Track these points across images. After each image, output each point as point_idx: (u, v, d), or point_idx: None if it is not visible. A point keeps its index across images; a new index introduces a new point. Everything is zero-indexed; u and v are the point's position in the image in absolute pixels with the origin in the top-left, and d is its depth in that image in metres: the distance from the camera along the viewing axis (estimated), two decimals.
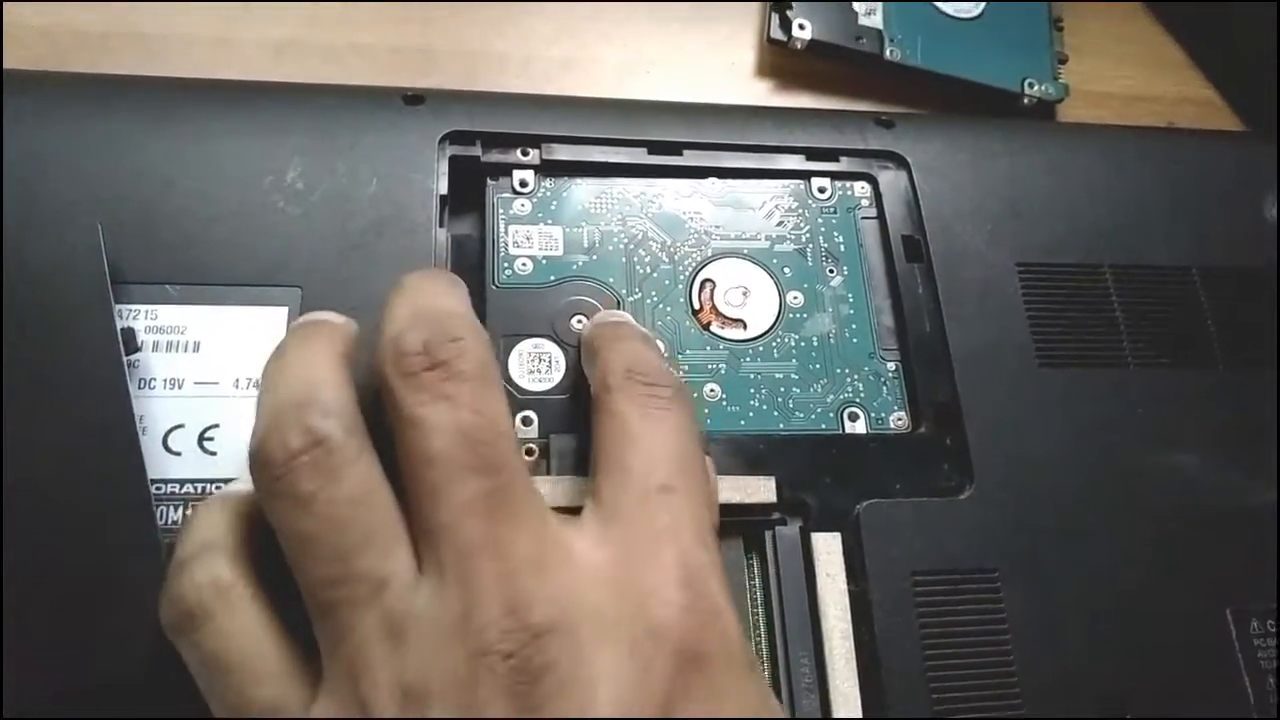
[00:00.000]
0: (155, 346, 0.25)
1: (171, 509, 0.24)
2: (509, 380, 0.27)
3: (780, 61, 0.39)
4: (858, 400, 0.29)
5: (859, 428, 0.29)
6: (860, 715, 0.24)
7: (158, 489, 0.24)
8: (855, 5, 0.38)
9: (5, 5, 0.34)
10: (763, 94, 0.38)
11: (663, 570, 0.19)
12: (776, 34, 0.38)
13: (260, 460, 0.19)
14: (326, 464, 0.18)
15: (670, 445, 0.21)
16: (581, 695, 0.17)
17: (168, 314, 0.26)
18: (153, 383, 0.25)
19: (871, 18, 0.38)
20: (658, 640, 0.18)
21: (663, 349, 0.29)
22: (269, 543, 0.19)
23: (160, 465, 0.24)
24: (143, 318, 0.25)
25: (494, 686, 0.16)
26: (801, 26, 0.37)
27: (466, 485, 0.18)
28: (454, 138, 0.30)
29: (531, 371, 0.28)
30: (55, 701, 0.22)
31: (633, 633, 0.18)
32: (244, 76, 0.33)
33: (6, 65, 0.32)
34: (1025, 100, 0.39)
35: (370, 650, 0.17)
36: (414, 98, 0.30)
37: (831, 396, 0.29)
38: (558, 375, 0.28)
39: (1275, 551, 0.28)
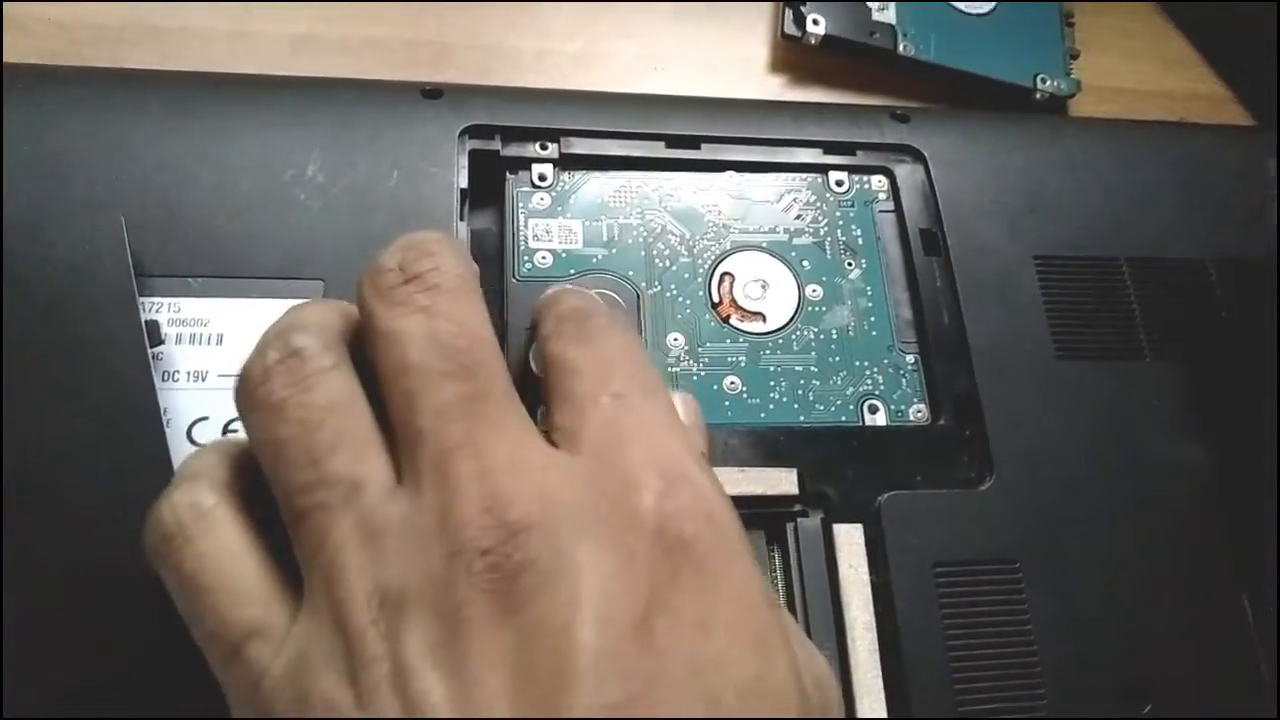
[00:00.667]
0: (179, 339, 0.25)
1: None
2: (528, 371, 0.27)
3: (793, 57, 0.39)
4: (877, 393, 0.29)
5: (879, 420, 0.29)
6: (884, 707, 0.24)
7: None
8: (869, 1, 0.38)
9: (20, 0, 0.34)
10: (776, 89, 0.39)
11: (637, 463, 0.18)
12: (790, 29, 0.38)
13: (240, 381, 0.19)
14: (301, 371, 0.18)
15: (613, 361, 0.20)
16: (564, 590, 0.16)
17: (191, 307, 0.26)
18: (177, 375, 0.25)
19: (885, 13, 0.38)
20: (638, 528, 0.17)
21: (682, 341, 0.29)
22: (261, 489, 0.19)
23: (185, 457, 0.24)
24: (166, 310, 0.25)
25: (472, 585, 0.16)
26: (815, 22, 0.37)
27: (443, 390, 0.18)
28: (473, 132, 0.30)
29: None
30: (78, 694, 0.22)
31: (612, 524, 0.17)
32: (260, 70, 0.33)
33: (23, 59, 0.32)
34: (1037, 95, 0.39)
35: (345, 556, 0.17)
36: (433, 91, 0.30)
37: (851, 389, 0.29)
38: None
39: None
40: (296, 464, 0.18)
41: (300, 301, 0.21)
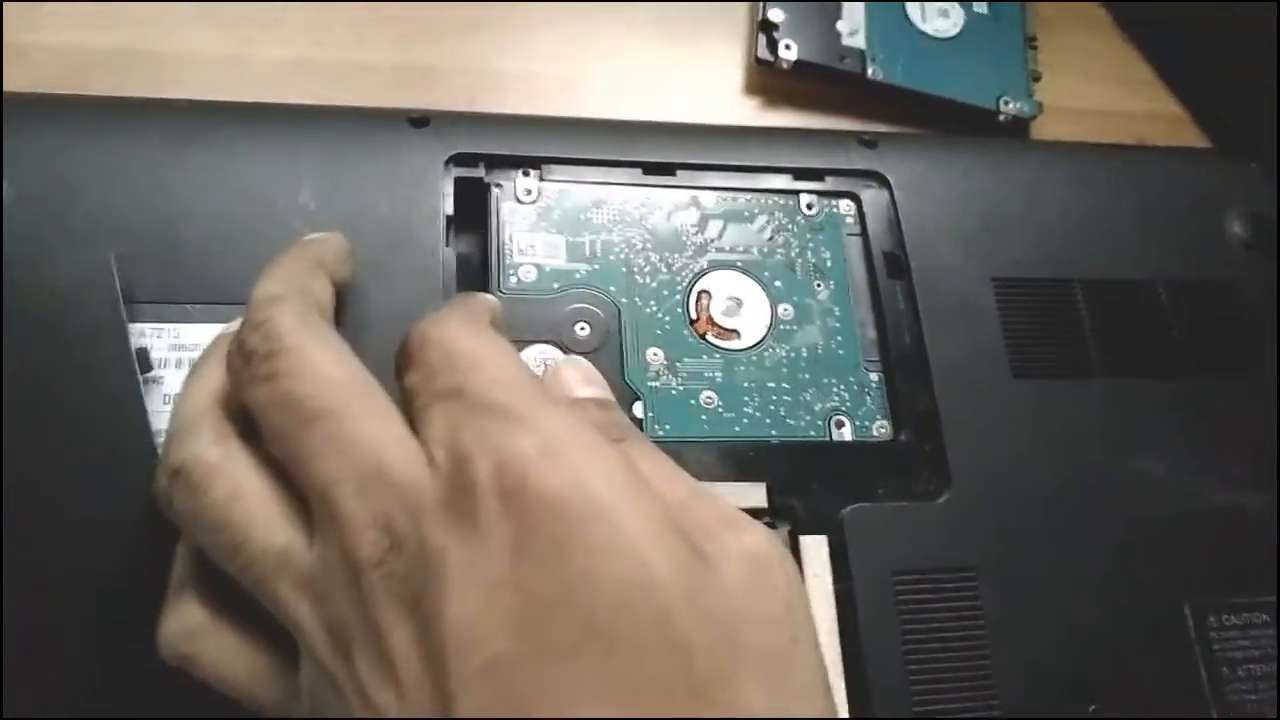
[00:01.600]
0: (178, 364, 0.27)
1: None
2: None
3: (767, 80, 0.40)
4: (844, 409, 0.31)
5: (845, 435, 0.30)
6: (846, 708, 0.26)
7: None
8: (839, 26, 0.40)
9: (20, 27, 0.35)
10: (750, 111, 0.40)
11: (466, 439, 0.19)
12: (764, 54, 0.39)
13: (158, 502, 0.21)
14: (191, 482, 0.20)
15: (430, 364, 0.21)
16: (433, 574, 0.17)
17: (189, 333, 0.27)
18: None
19: (854, 38, 0.40)
20: (478, 493, 0.18)
21: (661, 356, 0.30)
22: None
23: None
24: (166, 336, 0.27)
25: (376, 598, 0.18)
26: (787, 47, 0.39)
27: (303, 440, 0.19)
28: (458, 160, 0.31)
29: None
30: (71, 703, 0.23)
31: (460, 501, 0.18)
32: (255, 95, 0.34)
33: (24, 87, 0.33)
34: (1001, 117, 0.40)
35: (295, 611, 0.19)
36: (420, 120, 0.31)
37: (820, 405, 0.31)
38: None
39: (1230, 550, 0.30)
40: (226, 553, 0.20)
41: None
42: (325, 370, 0.20)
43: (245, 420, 0.21)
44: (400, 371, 0.21)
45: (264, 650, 0.20)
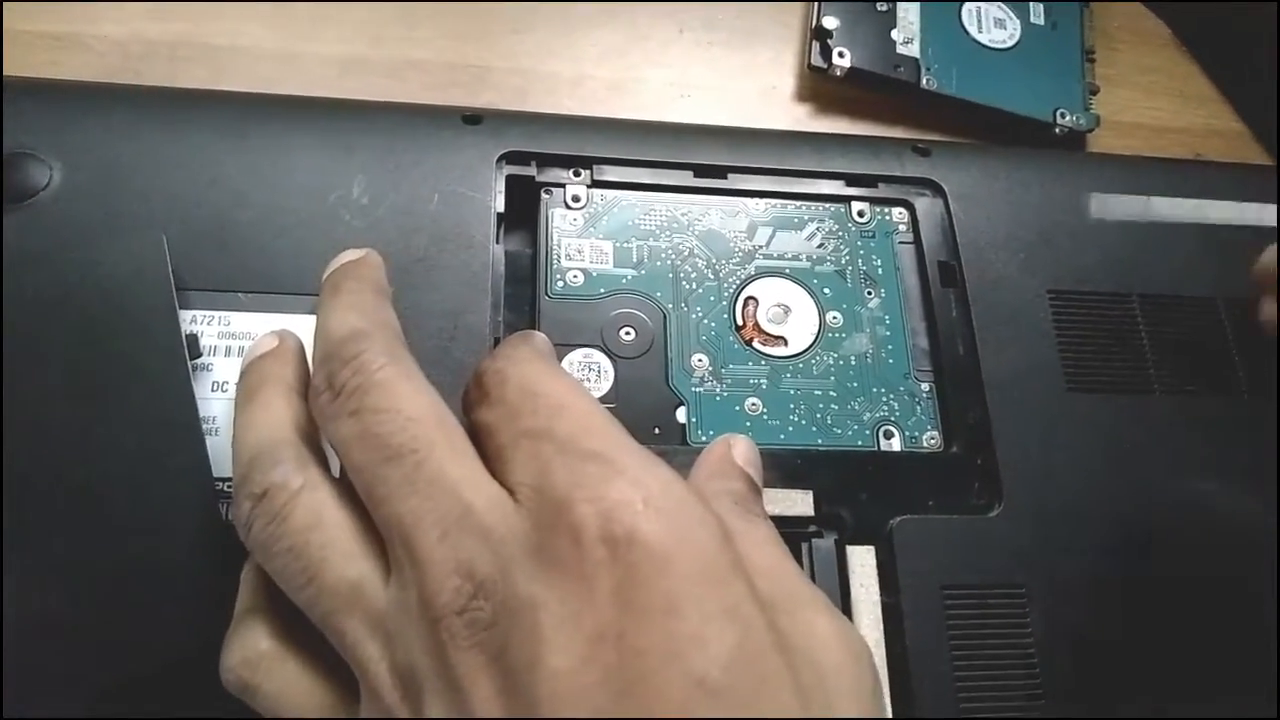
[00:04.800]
0: (228, 351, 0.27)
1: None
2: None
3: (819, 87, 0.40)
4: (893, 419, 0.30)
5: (894, 445, 0.30)
6: None
7: (229, 486, 0.25)
8: (893, 34, 0.40)
9: (79, 18, 0.35)
10: (801, 118, 0.40)
11: (562, 484, 0.19)
12: (817, 61, 0.39)
13: (237, 522, 0.21)
14: (273, 507, 0.20)
15: (513, 405, 0.21)
16: (525, 624, 0.17)
17: (239, 320, 0.27)
18: (225, 386, 0.26)
19: (909, 47, 0.40)
20: (581, 542, 0.18)
21: (706, 362, 0.30)
22: None
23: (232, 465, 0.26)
24: (216, 324, 0.27)
25: (458, 646, 0.17)
26: (841, 55, 0.38)
27: (388, 477, 0.19)
28: (510, 158, 0.31)
29: (582, 380, 0.29)
30: (115, 691, 0.23)
31: (558, 549, 0.18)
32: (308, 90, 0.34)
33: (81, 76, 0.34)
34: (1057, 130, 0.40)
35: (363, 649, 0.19)
36: (472, 117, 0.31)
37: (868, 414, 0.30)
38: (606, 384, 0.29)
39: None
40: (299, 585, 0.20)
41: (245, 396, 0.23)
42: (411, 408, 0.20)
43: (320, 453, 0.22)
44: (471, 406, 0.21)
45: (326, 685, 0.20)
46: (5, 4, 0.35)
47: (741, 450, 0.24)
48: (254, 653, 0.20)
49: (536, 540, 0.18)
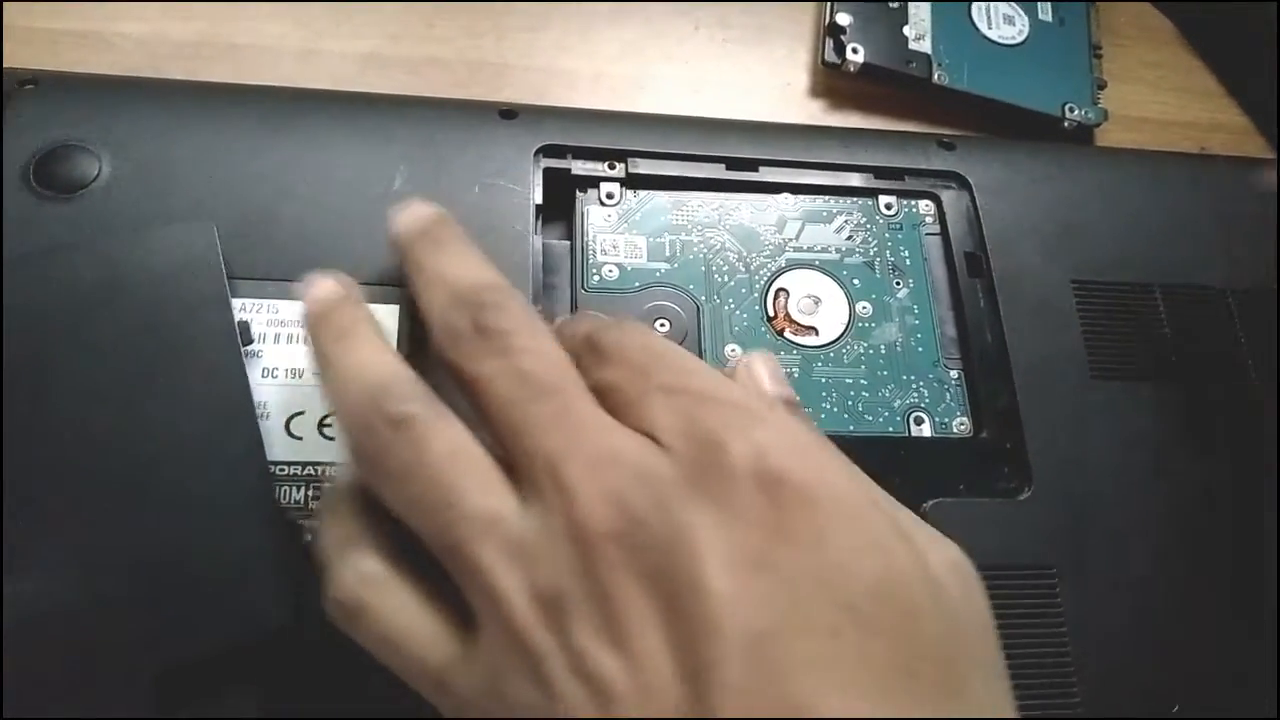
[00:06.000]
0: (276, 339, 0.27)
1: (294, 489, 0.26)
2: None
3: (833, 83, 0.41)
4: (923, 405, 0.31)
5: (924, 431, 0.30)
6: None
7: (280, 470, 0.26)
8: (905, 30, 0.40)
9: (103, 15, 0.36)
10: (816, 113, 0.40)
11: (714, 426, 0.19)
12: (830, 57, 0.39)
13: (357, 456, 0.21)
14: (412, 435, 0.20)
15: (642, 363, 0.21)
16: (684, 550, 0.18)
17: (288, 309, 0.27)
18: (276, 372, 0.27)
19: (921, 43, 0.40)
20: (732, 478, 0.18)
21: (739, 352, 0.30)
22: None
23: (283, 448, 0.26)
24: (265, 312, 0.27)
25: (611, 568, 0.18)
26: (855, 50, 0.39)
27: (537, 412, 0.20)
28: (547, 151, 0.31)
29: None
30: (174, 675, 0.23)
31: (710, 483, 0.18)
32: (329, 86, 0.34)
33: (107, 71, 0.34)
34: (1066, 124, 0.40)
35: (498, 576, 0.19)
36: (508, 112, 0.32)
37: (898, 401, 0.31)
38: None
39: None
40: (435, 510, 0.20)
41: (344, 340, 0.23)
42: (555, 354, 0.21)
43: None
44: (588, 368, 0.22)
45: (437, 615, 0.20)
46: (29, 3, 0.35)
47: (763, 371, 0.24)
48: (368, 571, 0.21)
49: (688, 476, 0.19)
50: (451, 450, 0.20)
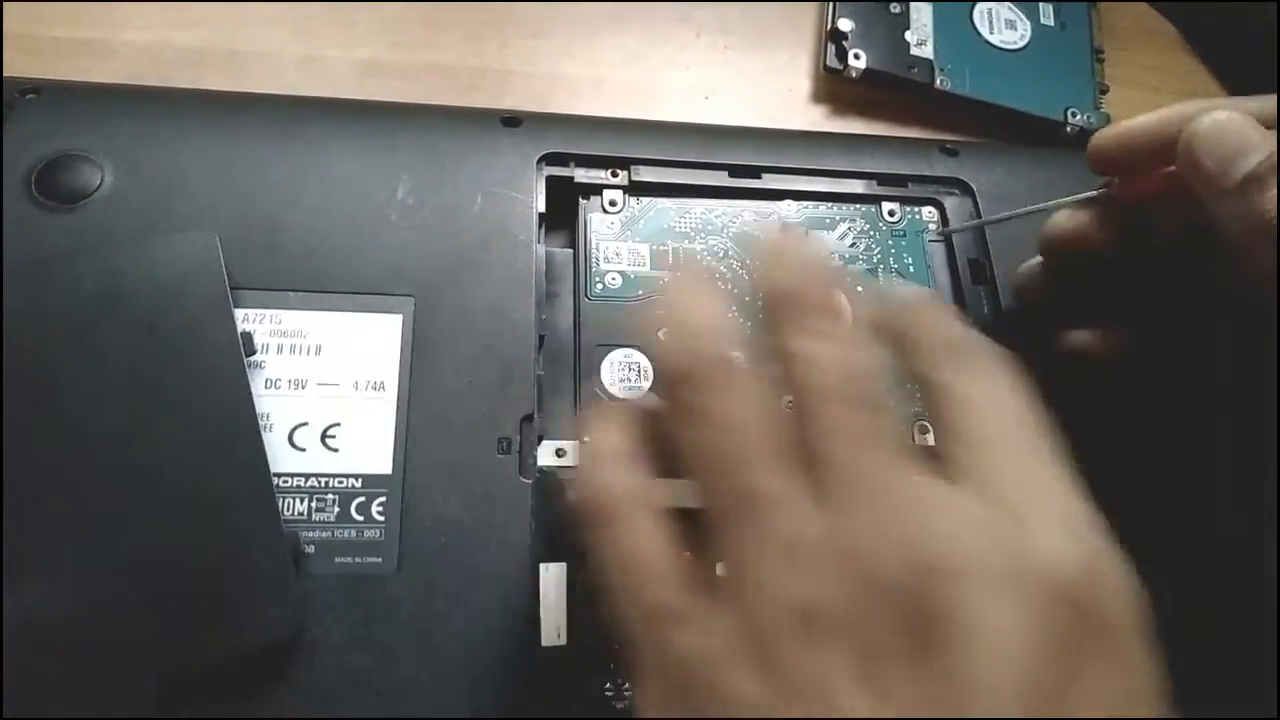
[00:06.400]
0: (279, 349, 0.27)
1: (298, 501, 0.26)
2: (602, 388, 0.29)
3: (835, 88, 0.41)
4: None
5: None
6: None
7: (284, 481, 0.26)
8: (907, 36, 0.40)
9: (106, 24, 0.35)
10: (818, 119, 0.40)
11: (1047, 523, 0.18)
12: (833, 63, 0.39)
13: (671, 373, 0.20)
14: (729, 379, 0.20)
15: (1004, 405, 0.20)
16: (980, 644, 0.16)
17: (291, 319, 0.27)
18: (279, 383, 0.27)
19: (923, 48, 0.40)
20: (1047, 588, 0.17)
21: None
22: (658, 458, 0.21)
23: (286, 460, 0.26)
24: (268, 322, 0.27)
25: (890, 616, 0.17)
26: (857, 56, 0.39)
27: (858, 421, 0.19)
28: (550, 159, 0.31)
29: (622, 380, 0.29)
30: (173, 684, 0.23)
31: (1022, 580, 0.17)
32: (329, 94, 0.34)
33: (111, 79, 0.34)
34: (1068, 129, 0.40)
35: (768, 565, 0.18)
36: (511, 120, 0.32)
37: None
38: (646, 383, 0.29)
39: None
40: (726, 472, 0.19)
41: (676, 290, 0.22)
42: (876, 364, 0.21)
43: None
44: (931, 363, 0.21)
45: (681, 552, 0.20)
46: (31, 9, 0.35)
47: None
48: (635, 484, 0.20)
49: (1000, 557, 0.18)
50: (761, 413, 0.19)
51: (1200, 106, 0.26)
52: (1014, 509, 0.18)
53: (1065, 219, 0.29)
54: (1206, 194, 0.25)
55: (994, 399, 0.20)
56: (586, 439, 0.22)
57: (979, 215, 0.33)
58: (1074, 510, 0.19)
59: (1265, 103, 0.26)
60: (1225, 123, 0.25)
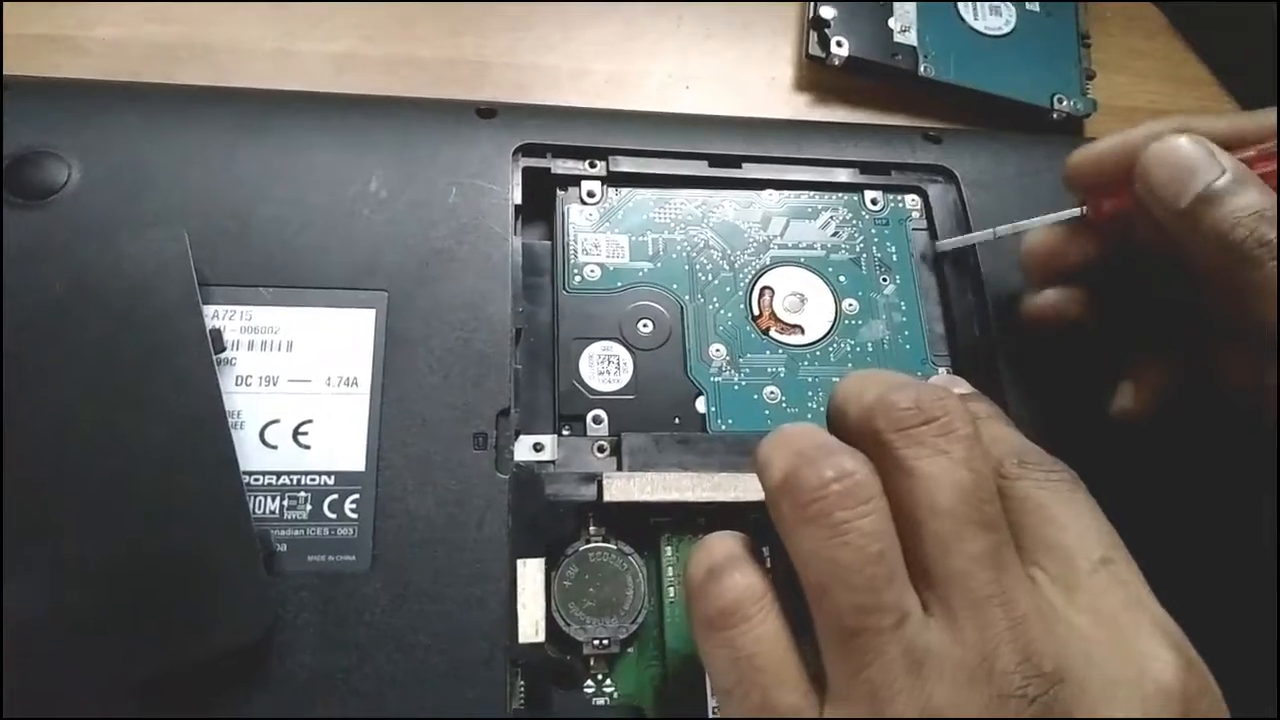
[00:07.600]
0: (250, 346, 0.26)
1: (269, 499, 0.25)
2: (580, 381, 0.29)
3: (818, 76, 0.40)
4: None
5: None
6: None
7: (255, 480, 0.25)
8: (890, 23, 0.40)
9: (77, 19, 0.35)
10: (801, 107, 0.40)
11: (1147, 633, 0.20)
12: (815, 50, 0.39)
13: (791, 488, 0.20)
14: (858, 496, 0.20)
15: (1095, 524, 0.22)
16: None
17: (262, 315, 0.27)
18: (249, 380, 0.26)
19: (906, 35, 0.40)
20: (1167, 699, 0.19)
21: (724, 352, 0.30)
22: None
23: (257, 458, 0.26)
24: (238, 318, 0.27)
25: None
26: (839, 44, 0.39)
27: (975, 539, 0.20)
28: (526, 150, 0.31)
29: (601, 373, 0.29)
30: (145, 686, 0.22)
31: (1140, 690, 0.19)
32: (305, 87, 0.34)
33: (84, 75, 0.33)
34: (1055, 115, 0.40)
35: (893, 678, 0.19)
36: (486, 111, 0.31)
37: None
38: (625, 376, 0.29)
39: None
40: (855, 587, 0.19)
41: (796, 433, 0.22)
42: (991, 480, 0.21)
43: None
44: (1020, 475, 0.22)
45: (802, 657, 0.20)
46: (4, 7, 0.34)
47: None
48: (756, 584, 0.21)
49: (1115, 669, 0.19)
50: (886, 531, 0.20)
51: (1167, 125, 0.27)
52: (1112, 620, 0.20)
53: (1039, 238, 0.30)
54: (1163, 217, 0.25)
55: (1080, 519, 0.21)
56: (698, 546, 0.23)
57: (963, 203, 0.33)
58: (1162, 619, 0.20)
59: (1235, 121, 0.27)
60: (1174, 146, 0.25)
